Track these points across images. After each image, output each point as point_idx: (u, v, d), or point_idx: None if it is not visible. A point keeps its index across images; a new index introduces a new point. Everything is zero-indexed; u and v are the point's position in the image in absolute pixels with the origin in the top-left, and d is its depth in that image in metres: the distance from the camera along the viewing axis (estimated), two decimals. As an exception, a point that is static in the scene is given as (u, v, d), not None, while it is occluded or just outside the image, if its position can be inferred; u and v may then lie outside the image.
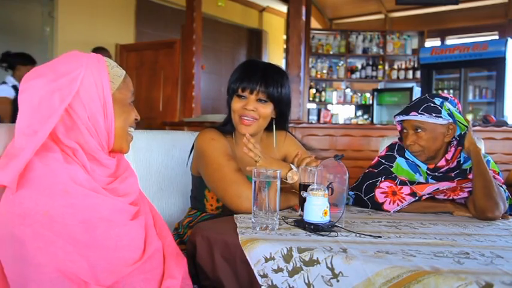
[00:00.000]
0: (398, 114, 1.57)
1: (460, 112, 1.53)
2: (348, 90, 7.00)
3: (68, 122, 0.94)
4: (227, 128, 1.55)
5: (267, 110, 1.49)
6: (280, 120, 1.59)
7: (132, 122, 1.06)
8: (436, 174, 1.53)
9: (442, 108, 1.50)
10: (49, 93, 0.91)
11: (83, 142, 0.95)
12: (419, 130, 1.50)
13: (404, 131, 1.56)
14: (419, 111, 1.49)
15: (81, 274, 0.84)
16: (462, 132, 1.51)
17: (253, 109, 1.46)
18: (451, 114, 1.50)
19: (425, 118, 1.48)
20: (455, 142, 1.53)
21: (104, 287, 0.87)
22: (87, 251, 0.87)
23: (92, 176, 0.95)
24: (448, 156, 1.53)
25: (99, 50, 4.02)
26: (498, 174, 1.51)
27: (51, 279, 0.82)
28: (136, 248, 0.96)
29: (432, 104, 1.50)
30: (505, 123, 3.56)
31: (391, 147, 1.66)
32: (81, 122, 0.94)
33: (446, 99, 1.53)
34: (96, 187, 0.94)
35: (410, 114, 1.51)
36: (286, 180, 1.40)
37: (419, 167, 1.56)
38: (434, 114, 1.48)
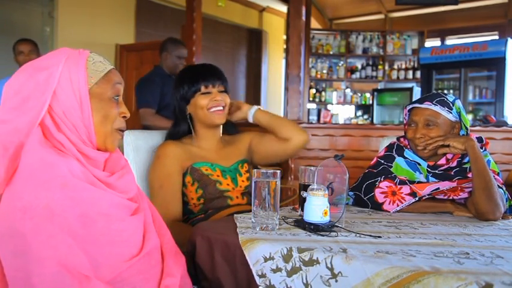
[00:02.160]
0: (411, 103, 1.60)
1: (465, 113, 1.56)
2: (348, 90, 7.00)
3: (52, 117, 0.94)
4: (181, 132, 1.66)
5: (228, 99, 1.66)
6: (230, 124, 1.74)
7: (114, 118, 1.00)
8: (437, 171, 1.53)
9: (453, 105, 1.53)
10: (26, 87, 0.92)
11: (69, 135, 0.95)
12: (430, 125, 1.51)
13: (412, 125, 1.56)
14: (434, 102, 1.52)
15: (82, 268, 0.84)
16: (465, 134, 1.53)
17: (221, 98, 1.62)
18: (459, 114, 1.53)
19: (438, 109, 1.51)
20: None
21: (103, 281, 0.87)
22: (85, 245, 0.87)
23: (86, 168, 0.95)
24: (449, 155, 1.54)
25: (173, 41, 3.46)
26: (498, 174, 1.51)
27: (52, 273, 0.81)
28: (135, 243, 0.96)
29: (445, 99, 1.53)
30: (505, 123, 3.57)
31: (389, 147, 1.66)
32: (58, 117, 0.94)
33: (457, 98, 1.57)
34: (93, 180, 0.93)
35: (425, 103, 1.53)
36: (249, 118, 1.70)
37: (419, 164, 1.56)
38: (446, 108, 1.51)
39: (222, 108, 1.62)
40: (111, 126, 1.00)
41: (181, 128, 1.66)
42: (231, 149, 1.70)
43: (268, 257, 1.00)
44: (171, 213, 1.51)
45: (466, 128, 1.53)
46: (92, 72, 0.98)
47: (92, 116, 0.96)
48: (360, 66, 6.83)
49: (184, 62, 3.36)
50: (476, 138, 1.54)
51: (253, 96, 7.45)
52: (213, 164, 1.60)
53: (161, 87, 3.16)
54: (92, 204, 0.90)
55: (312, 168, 1.34)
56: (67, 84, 0.94)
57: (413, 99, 1.66)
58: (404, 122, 1.63)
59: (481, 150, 1.50)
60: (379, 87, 6.58)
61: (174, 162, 1.56)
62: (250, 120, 1.72)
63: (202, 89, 1.60)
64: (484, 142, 1.54)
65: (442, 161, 1.54)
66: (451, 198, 1.47)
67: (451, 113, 1.51)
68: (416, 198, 1.45)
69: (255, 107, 1.72)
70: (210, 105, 1.59)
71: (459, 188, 1.45)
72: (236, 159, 1.66)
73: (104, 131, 0.99)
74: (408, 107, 1.61)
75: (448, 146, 1.47)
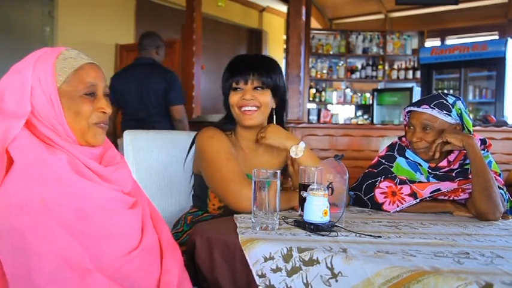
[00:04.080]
0: (409, 105, 1.58)
1: (468, 115, 1.53)
2: (348, 90, 7.00)
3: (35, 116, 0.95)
4: (228, 127, 1.55)
5: (266, 97, 1.48)
6: (279, 115, 1.58)
7: (87, 114, 0.98)
8: (438, 173, 1.52)
9: (453, 107, 1.50)
10: (8, 91, 0.94)
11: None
12: (427, 128, 1.50)
13: (411, 127, 1.55)
14: (431, 106, 1.50)
15: (82, 261, 0.85)
16: None
17: (252, 97, 1.45)
18: (460, 115, 1.51)
19: (435, 113, 1.49)
20: None
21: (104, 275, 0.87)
22: (83, 239, 0.87)
23: (80, 160, 0.95)
24: (451, 157, 1.53)
25: (149, 34, 3.44)
26: (499, 175, 1.50)
27: (52, 268, 0.82)
28: (133, 237, 0.96)
29: (444, 101, 1.51)
30: (505, 123, 3.56)
31: (391, 147, 1.65)
32: (39, 116, 0.95)
33: (458, 99, 1.54)
34: (87, 174, 0.94)
35: (422, 107, 1.52)
36: (290, 154, 1.43)
37: (420, 165, 1.56)
38: (444, 111, 1.49)
39: (255, 108, 1.46)
40: (87, 122, 0.99)
41: (228, 121, 1.54)
42: (271, 156, 1.56)
43: (268, 257, 1.00)
44: (246, 180, 1.37)
45: (469, 131, 1.51)
46: (60, 70, 0.97)
47: (64, 114, 0.96)
48: (360, 66, 6.83)
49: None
50: (480, 140, 1.53)
51: (253, 96, 7.44)
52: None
53: None
54: (88, 198, 0.91)
55: (312, 168, 1.34)
56: (37, 85, 0.95)
57: (413, 99, 1.65)
58: (404, 123, 1.62)
59: (483, 151, 1.50)
60: (379, 87, 6.58)
61: (229, 145, 1.48)
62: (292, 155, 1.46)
63: (233, 84, 1.47)
64: (487, 144, 1.54)
65: (444, 163, 1.53)
66: (451, 198, 1.47)
67: (450, 115, 1.49)
68: (417, 200, 1.45)
69: (302, 147, 1.44)
70: (239, 104, 1.46)
71: (460, 189, 1.45)
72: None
73: (80, 127, 0.98)
74: (406, 109, 1.60)
75: (448, 142, 1.45)
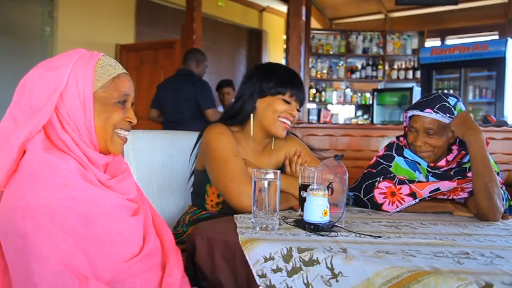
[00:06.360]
0: (412, 108, 1.55)
1: None
2: (348, 90, 7.01)
3: (58, 116, 0.95)
4: (236, 120, 1.55)
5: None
6: None
7: (115, 122, 1.01)
8: (437, 171, 1.52)
9: (455, 109, 1.50)
10: (38, 87, 0.93)
11: (72, 135, 0.96)
12: (431, 133, 1.49)
13: (412, 129, 1.53)
14: (435, 110, 1.48)
15: (81, 268, 0.85)
16: None
17: (296, 115, 1.54)
18: None
19: (439, 117, 1.47)
20: (457, 145, 1.53)
21: (102, 281, 0.87)
22: (85, 244, 0.87)
23: (88, 170, 0.95)
24: (450, 157, 1.53)
25: (192, 50, 3.96)
26: (498, 174, 1.50)
27: (54, 272, 0.82)
28: (135, 244, 0.97)
29: (447, 104, 1.49)
30: (505, 123, 3.56)
31: (389, 147, 1.65)
32: (62, 118, 0.95)
33: (458, 99, 1.53)
34: (94, 181, 0.94)
35: (425, 111, 1.50)
36: None
37: (419, 164, 1.55)
38: (448, 115, 1.48)
39: (290, 123, 1.53)
40: (113, 130, 1.01)
41: (242, 117, 1.54)
42: (273, 158, 1.61)
43: (268, 257, 1.00)
44: (250, 180, 1.36)
45: None
46: (99, 75, 0.98)
47: (93, 119, 0.97)
48: (360, 66, 6.84)
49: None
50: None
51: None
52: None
53: None
54: (93, 204, 0.91)
55: (312, 168, 1.34)
56: (73, 85, 0.95)
57: (413, 99, 1.64)
58: (404, 124, 1.61)
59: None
60: (379, 87, 6.58)
61: (235, 143, 1.51)
62: None
63: (287, 96, 1.51)
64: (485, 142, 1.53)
65: (442, 162, 1.53)
66: (450, 198, 1.47)
67: (452, 118, 1.48)
68: (417, 200, 1.45)
69: None
70: (284, 114, 1.51)
71: (459, 188, 1.45)
72: None
73: (105, 134, 0.99)
74: (409, 114, 1.56)
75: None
